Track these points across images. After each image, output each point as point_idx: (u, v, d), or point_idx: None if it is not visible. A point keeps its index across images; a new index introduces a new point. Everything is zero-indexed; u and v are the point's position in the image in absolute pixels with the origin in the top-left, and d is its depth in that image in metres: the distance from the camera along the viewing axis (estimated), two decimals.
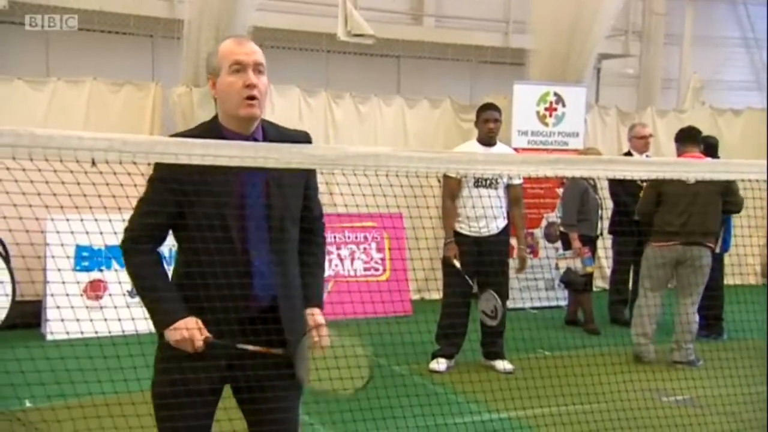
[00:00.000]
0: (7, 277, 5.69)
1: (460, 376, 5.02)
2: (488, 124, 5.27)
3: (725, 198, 5.49)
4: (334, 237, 7.17)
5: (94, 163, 1.96)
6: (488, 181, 5.20)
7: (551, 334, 6.12)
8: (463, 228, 5.26)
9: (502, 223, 5.30)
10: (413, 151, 2.06)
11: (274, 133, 2.28)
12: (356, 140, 7.81)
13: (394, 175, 2.03)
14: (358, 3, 8.22)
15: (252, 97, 2.14)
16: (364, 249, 7.28)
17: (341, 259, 7.19)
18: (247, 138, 2.19)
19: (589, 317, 6.72)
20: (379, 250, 7.32)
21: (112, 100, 6.93)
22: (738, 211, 5.62)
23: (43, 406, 3.62)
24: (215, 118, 2.25)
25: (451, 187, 5.19)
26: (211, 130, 2.20)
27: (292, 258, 2.30)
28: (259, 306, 2.24)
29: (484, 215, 5.10)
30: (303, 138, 2.34)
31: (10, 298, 5.72)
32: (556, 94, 7.69)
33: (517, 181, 5.36)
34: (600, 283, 7.73)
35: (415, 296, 7.50)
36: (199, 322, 2.14)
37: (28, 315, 6.03)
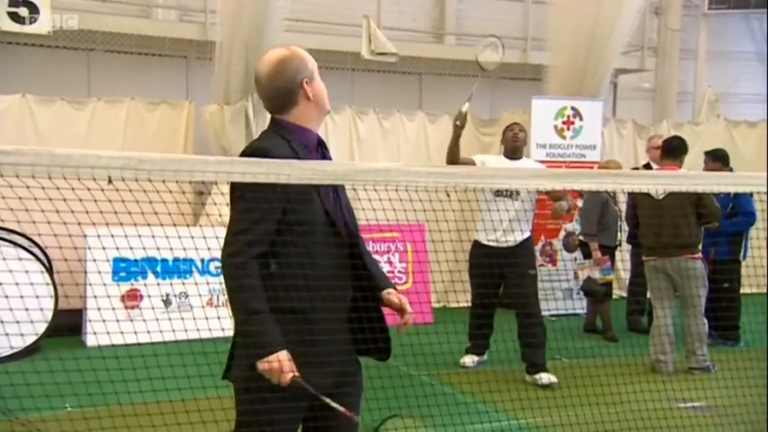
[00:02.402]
0: (51, 288, 5.93)
1: (479, 385, 5.00)
2: (512, 131, 5.41)
3: (698, 210, 5.49)
4: None
5: (110, 181, 1.98)
6: (508, 191, 5.26)
7: (570, 342, 6.16)
8: (482, 238, 5.37)
9: (521, 236, 5.33)
10: (422, 167, 2.11)
11: None
12: (380, 154, 8.06)
13: (403, 189, 2.09)
14: (382, 23, 8.47)
15: None
16: (388, 259, 7.49)
17: None
18: (317, 134, 2.38)
19: (607, 325, 6.83)
20: (402, 260, 7.53)
21: (149, 119, 7.19)
22: (714, 222, 5.62)
23: (80, 410, 3.67)
24: (278, 123, 2.31)
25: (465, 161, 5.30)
26: (280, 134, 2.26)
27: None
28: (349, 303, 2.29)
29: (501, 227, 5.21)
30: None
31: (52, 306, 5.97)
32: (573, 108, 7.90)
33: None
34: (618, 292, 7.86)
35: (437, 305, 7.69)
36: (292, 361, 2.10)
37: (69, 323, 6.30)
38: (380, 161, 7.80)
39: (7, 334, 5.21)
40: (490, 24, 9.72)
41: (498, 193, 5.27)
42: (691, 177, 3.00)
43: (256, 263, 2.11)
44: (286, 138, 2.26)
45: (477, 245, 5.45)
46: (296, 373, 2.09)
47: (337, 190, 2.30)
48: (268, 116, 8.25)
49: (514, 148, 5.42)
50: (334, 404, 2.10)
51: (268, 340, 2.09)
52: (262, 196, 2.08)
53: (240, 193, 2.12)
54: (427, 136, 8.38)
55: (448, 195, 1.98)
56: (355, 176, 1.94)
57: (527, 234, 5.42)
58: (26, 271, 5.11)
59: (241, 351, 2.21)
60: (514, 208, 5.26)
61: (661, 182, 2.94)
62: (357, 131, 8.07)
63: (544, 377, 5.29)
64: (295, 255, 2.15)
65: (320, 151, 2.35)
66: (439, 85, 9.70)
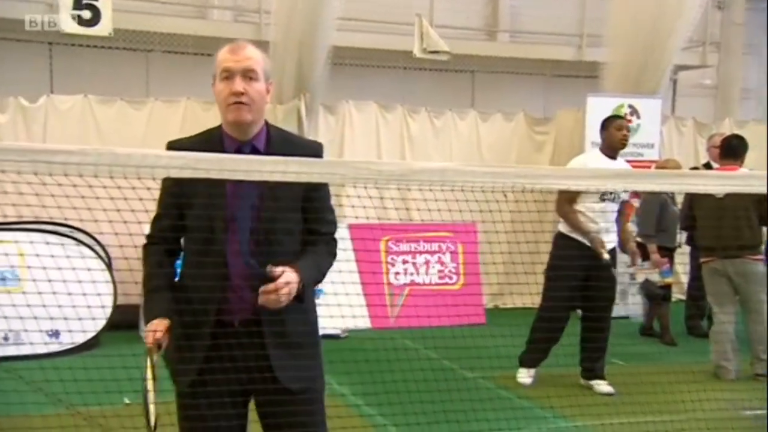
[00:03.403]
0: (109, 283, 6.10)
1: (535, 387, 5.03)
2: (622, 130, 5.04)
3: (760, 211, 5.30)
4: (410, 246, 7.40)
5: None
6: (612, 195, 4.94)
7: (626, 345, 6.07)
8: (578, 236, 5.05)
9: (614, 237, 5.16)
10: (478, 166, 2.05)
11: (280, 141, 2.27)
12: (431, 153, 8.03)
13: (459, 190, 2.01)
14: (434, 21, 8.44)
15: (238, 103, 2.15)
16: (439, 258, 7.45)
17: (416, 268, 7.39)
18: (243, 143, 2.21)
19: (665, 329, 6.67)
20: (453, 259, 7.48)
21: (204, 118, 7.25)
22: None
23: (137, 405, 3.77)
24: (221, 123, 2.27)
25: (570, 195, 4.91)
26: (212, 135, 2.25)
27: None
28: (238, 317, 2.21)
29: (606, 230, 4.97)
30: (313, 148, 2.29)
31: (112, 301, 6.13)
32: (630, 106, 7.72)
33: (624, 197, 5.20)
34: (677, 295, 7.64)
35: (489, 305, 7.64)
36: (162, 326, 2.12)
37: (127, 318, 6.47)
38: (432, 160, 7.76)
39: (71, 331, 5.44)
40: (545, 20, 9.59)
41: (604, 196, 4.95)
42: (750, 177, 2.87)
43: (159, 248, 2.28)
44: (210, 137, 2.25)
45: (568, 242, 5.07)
46: (159, 341, 2.11)
47: (262, 194, 2.17)
48: (321, 115, 8.26)
49: (621, 148, 5.10)
50: (149, 389, 2.10)
51: (150, 313, 2.19)
52: (167, 192, 2.24)
53: (161, 185, 2.27)
54: (479, 135, 8.31)
55: (505, 196, 1.93)
56: (411, 176, 1.89)
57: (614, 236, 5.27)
58: (91, 269, 5.31)
59: None
60: (614, 210, 5.06)
61: (722, 183, 2.82)
62: (408, 130, 8.06)
63: (602, 386, 5.14)
64: (186, 256, 2.28)
65: None
66: (492, 83, 9.62)
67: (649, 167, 7.44)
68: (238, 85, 2.14)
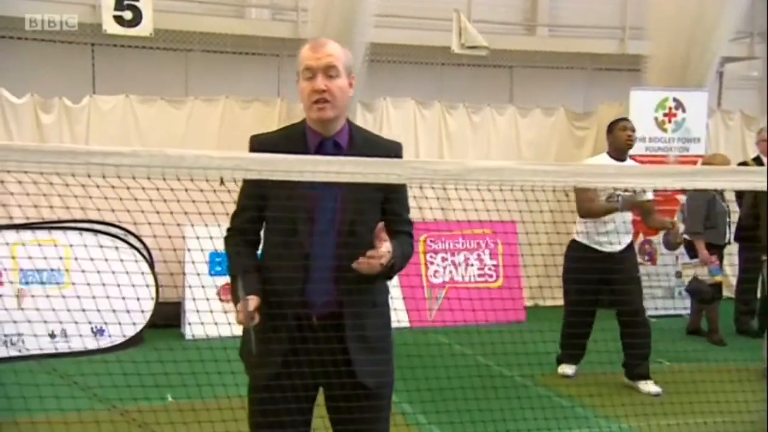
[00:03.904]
0: (151, 281, 6.17)
1: (579, 388, 4.92)
2: (626, 131, 4.98)
3: None
4: (449, 244, 7.33)
5: (222, 182, 2.01)
6: (617, 197, 4.90)
7: (673, 344, 5.95)
8: (587, 241, 5.05)
9: (628, 239, 5.09)
10: (537, 164, 1.97)
11: (362, 139, 2.33)
12: (470, 149, 7.95)
13: (519, 189, 1.96)
14: (472, 16, 8.35)
15: (320, 101, 2.19)
16: (478, 256, 7.37)
17: (455, 266, 7.32)
18: (326, 138, 2.26)
19: (714, 328, 6.51)
20: (493, 257, 7.39)
21: (242, 117, 7.32)
22: None
23: (183, 401, 3.72)
24: (305, 119, 2.32)
25: (589, 195, 4.84)
26: (295, 130, 2.31)
27: None
28: (317, 312, 2.25)
29: (615, 231, 4.91)
30: (393, 149, 2.32)
31: (153, 300, 6.21)
32: (675, 99, 7.55)
33: (649, 196, 5.07)
34: (725, 292, 7.44)
35: (529, 303, 7.55)
36: (254, 302, 2.13)
37: (169, 316, 6.54)
38: (470, 157, 7.67)
39: (123, 335, 5.57)
40: (585, 14, 9.41)
41: (610, 198, 4.90)
42: None
43: (239, 238, 2.35)
44: (293, 132, 2.32)
45: (578, 248, 5.09)
46: (252, 315, 2.10)
47: (344, 193, 2.20)
48: (358, 112, 8.22)
49: (627, 149, 5.04)
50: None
51: (236, 294, 2.19)
52: (248, 188, 2.30)
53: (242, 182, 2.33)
54: (518, 131, 8.21)
55: (566, 195, 1.86)
56: (468, 176, 1.81)
57: (631, 237, 5.19)
58: (141, 273, 5.38)
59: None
60: (624, 214, 5.00)
61: None
62: (446, 126, 8.01)
63: (648, 385, 5.06)
64: (268, 246, 2.34)
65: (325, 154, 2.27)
66: (531, 77, 9.47)
67: (695, 162, 7.27)
68: (320, 83, 2.19)
